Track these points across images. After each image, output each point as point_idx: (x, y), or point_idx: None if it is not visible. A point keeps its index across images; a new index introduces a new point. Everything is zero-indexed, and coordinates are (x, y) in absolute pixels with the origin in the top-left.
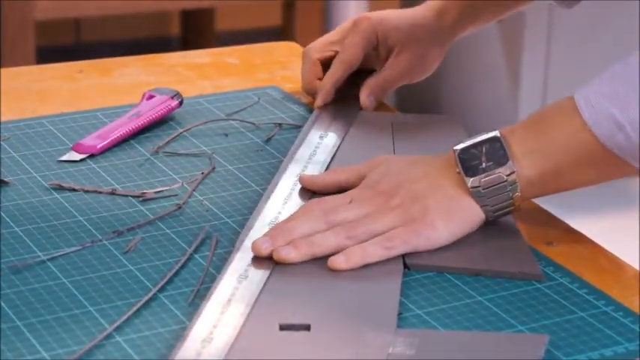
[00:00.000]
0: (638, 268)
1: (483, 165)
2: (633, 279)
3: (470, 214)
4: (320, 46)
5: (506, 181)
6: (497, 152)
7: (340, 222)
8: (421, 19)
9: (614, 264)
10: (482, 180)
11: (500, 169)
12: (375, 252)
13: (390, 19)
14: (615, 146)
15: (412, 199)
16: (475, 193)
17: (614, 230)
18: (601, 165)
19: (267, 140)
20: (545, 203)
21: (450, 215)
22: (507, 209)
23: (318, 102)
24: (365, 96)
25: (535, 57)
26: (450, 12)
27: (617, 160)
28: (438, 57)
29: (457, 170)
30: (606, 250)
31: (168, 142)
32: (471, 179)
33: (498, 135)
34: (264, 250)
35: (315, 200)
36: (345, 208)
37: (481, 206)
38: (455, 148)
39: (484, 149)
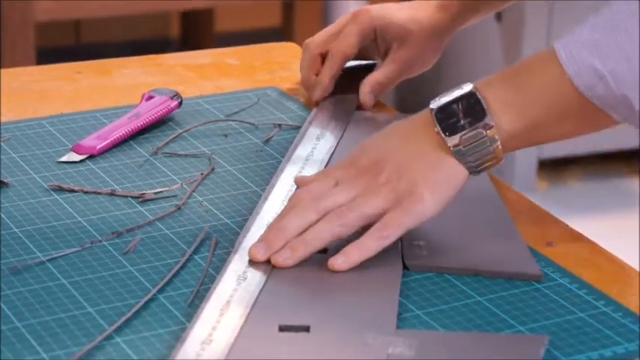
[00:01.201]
0: (637, 269)
1: (461, 122)
2: (633, 279)
3: (454, 175)
4: (321, 41)
5: (485, 136)
6: (474, 108)
7: (331, 207)
8: (421, 13)
9: (613, 264)
10: (462, 138)
11: (479, 125)
12: (372, 245)
13: (389, 13)
14: (594, 96)
15: (397, 173)
16: (456, 152)
17: (614, 230)
18: (580, 116)
19: (267, 141)
20: (545, 203)
21: (436, 183)
22: (489, 163)
23: (317, 95)
24: (365, 92)
25: None
26: (450, 6)
27: (597, 110)
28: (438, 51)
29: (436, 130)
30: (606, 251)
31: (167, 143)
32: (451, 138)
33: (474, 90)
34: (261, 256)
35: (302, 189)
36: (333, 192)
37: (463, 163)
38: (431, 106)
39: (460, 105)
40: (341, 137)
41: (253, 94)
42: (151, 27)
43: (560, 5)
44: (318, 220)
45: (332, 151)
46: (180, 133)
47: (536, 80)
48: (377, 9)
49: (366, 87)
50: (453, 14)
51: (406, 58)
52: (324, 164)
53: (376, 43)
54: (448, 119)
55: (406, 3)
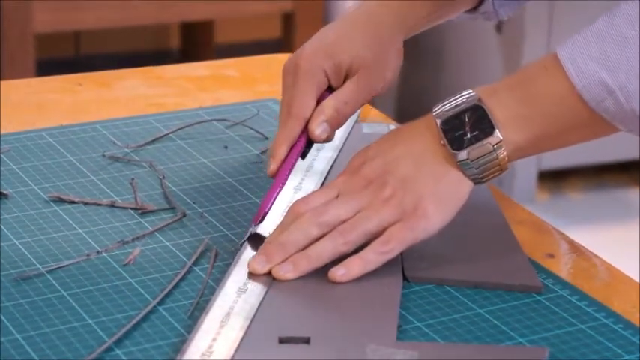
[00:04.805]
0: (637, 280)
1: (468, 135)
2: (633, 291)
3: (460, 188)
4: (304, 107)
5: (493, 150)
6: (481, 121)
7: (333, 221)
8: (371, 30)
9: (614, 276)
10: (470, 153)
11: (487, 139)
12: (373, 258)
13: (336, 49)
14: (603, 110)
15: (402, 186)
16: (462, 165)
17: (614, 242)
18: (587, 127)
19: (267, 152)
20: (545, 215)
21: (442, 197)
22: (495, 174)
23: (273, 169)
24: (316, 124)
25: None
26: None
27: (604, 123)
28: (398, 56)
29: (441, 142)
30: (606, 262)
31: (143, 145)
32: (459, 153)
33: (480, 103)
34: (261, 269)
35: (301, 200)
36: (334, 205)
37: (468, 175)
38: (435, 116)
39: (467, 118)
40: (341, 148)
41: (253, 105)
42: (151, 39)
43: (560, 18)
44: (319, 235)
45: (332, 162)
46: (165, 135)
47: (543, 92)
48: (321, 50)
49: (320, 116)
50: (416, 16)
51: (367, 82)
52: (325, 175)
53: (330, 81)
54: (454, 131)
55: (351, 19)
